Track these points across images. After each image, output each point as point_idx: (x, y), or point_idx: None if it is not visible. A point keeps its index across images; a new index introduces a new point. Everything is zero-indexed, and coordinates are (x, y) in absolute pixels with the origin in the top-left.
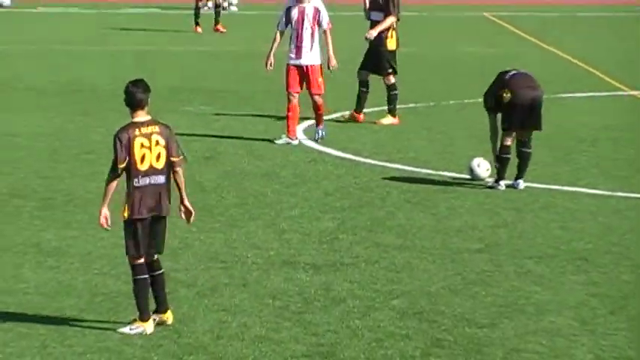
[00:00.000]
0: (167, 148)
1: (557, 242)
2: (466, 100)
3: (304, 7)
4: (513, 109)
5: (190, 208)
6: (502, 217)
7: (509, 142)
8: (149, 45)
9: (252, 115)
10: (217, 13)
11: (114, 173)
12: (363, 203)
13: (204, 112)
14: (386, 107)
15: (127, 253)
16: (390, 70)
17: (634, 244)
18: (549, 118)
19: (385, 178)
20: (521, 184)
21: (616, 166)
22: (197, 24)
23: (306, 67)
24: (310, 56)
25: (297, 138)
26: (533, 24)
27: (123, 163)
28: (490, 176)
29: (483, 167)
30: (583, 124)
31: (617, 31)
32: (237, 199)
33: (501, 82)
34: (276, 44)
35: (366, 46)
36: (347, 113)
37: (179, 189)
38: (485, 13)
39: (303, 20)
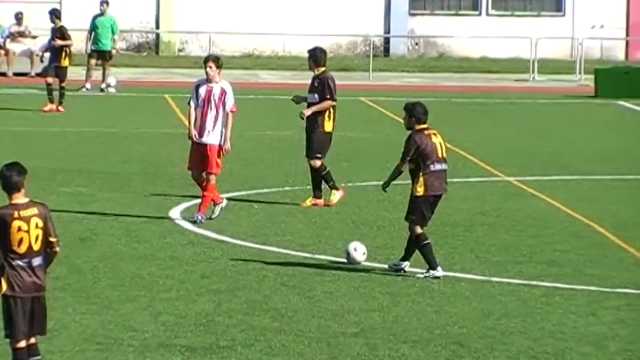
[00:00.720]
0: (45, 229)
1: (432, 326)
2: (342, 184)
3: (212, 87)
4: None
5: None
6: (378, 301)
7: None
8: (24, 126)
9: (129, 197)
10: (62, 94)
11: None
12: (239, 286)
13: (81, 193)
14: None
15: (8, 336)
16: (319, 155)
17: (508, 329)
18: None
19: (262, 261)
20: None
21: (491, 252)
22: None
23: (206, 145)
24: (212, 136)
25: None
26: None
27: None
28: (366, 260)
29: (360, 251)
30: (459, 209)
31: (492, 117)
32: (113, 280)
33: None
34: (192, 118)
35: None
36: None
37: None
38: (361, 98)
39: (209, 100)
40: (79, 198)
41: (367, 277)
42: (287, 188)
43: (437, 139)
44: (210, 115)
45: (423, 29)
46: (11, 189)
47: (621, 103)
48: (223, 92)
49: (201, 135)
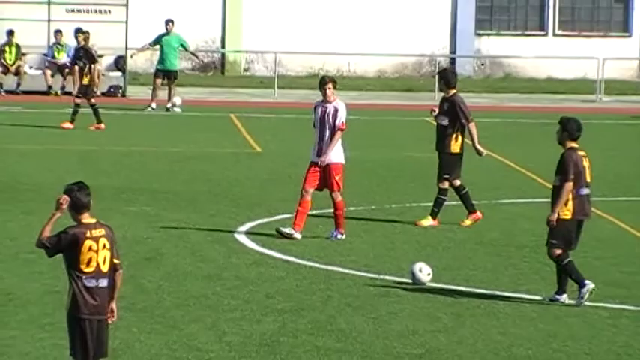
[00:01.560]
0: (111, 250)
1: (498, 348)
2: (408, 205)
3: (326, 107)
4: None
5: (115, 310)
6: (442, 322)
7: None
8: (90, 145)
9: (195, 217)
10: (94, 112)
11: (42, 243)
12: (304, 306)
13: (146, 213)
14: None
15: (73, 355)
16: (446, 176)
17: (574, 351)
18: (491, 224)
19: (327, 281)
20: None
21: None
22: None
23: (328, 165)
24: (330, 155)
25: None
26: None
27: (53, 250)
28: (432, 280)
29: (425, 271)
30: (524, 230)
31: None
32: (178, 300)
33: None
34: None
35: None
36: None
37: (113, 290)
38: (427, 119)
39: (323, 120)
40: (144, 217)
41: (432, 297)
42: (352, 208)
43: (586, 163)
44: (327, 134)
45: (489, 49)
46: (82, 208)
47: None
48: (336, 110)
49: (319, 155)
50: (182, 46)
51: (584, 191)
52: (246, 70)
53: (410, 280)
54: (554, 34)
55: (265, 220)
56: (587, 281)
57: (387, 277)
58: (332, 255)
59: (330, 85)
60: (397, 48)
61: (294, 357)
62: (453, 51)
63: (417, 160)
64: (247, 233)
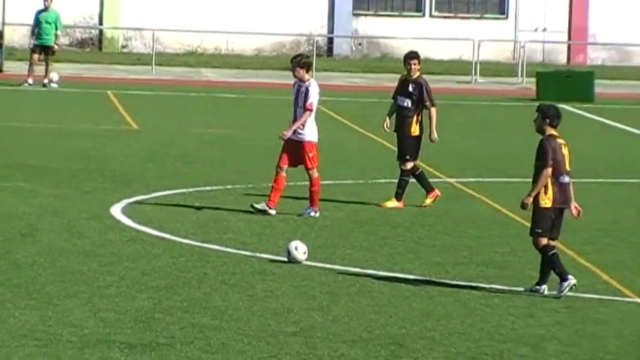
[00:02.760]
0: None
1: (372, 326)
2: (288, 184)
3: (300, 86)
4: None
5: None
6: (318, 301)
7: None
8: None
9: (71, 193)
10: None
11: None
12: (179, 283)
13: (22, 189)
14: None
15: None
16: (408, 157)
17: (448, 330)
18: (366, 204)
19: (203, 259)
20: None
21: (431, 252)
22: None
23: (295, 141)
24: (300, 132)
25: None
26: (352, 109)
27: None
28: (307, 259)
29: (301, 250)
30: (399, 209)
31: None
32: (53, 276)
33: None
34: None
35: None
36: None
37: None
38: None
39: (297, 98)
40: (19, 193)
41: (308, 276)
42: (229, 186)
43: (566, 151)
44: (298, 113)
45: (367, 30)
46: None
47: (562, 106)
48: (307, 91)
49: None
50: (55, 24)
51: (566, 179)
52: (124, 46)
53: (286, 259)
54: (431, 16)
55: (142, 197)
56: (569, 276)
57: (263, 255)
58: (208, 233)
59: (295, 66)
60: (275, 27)
61: (169, 334)
62: (330, 31)
63: None
64: (124, 210)
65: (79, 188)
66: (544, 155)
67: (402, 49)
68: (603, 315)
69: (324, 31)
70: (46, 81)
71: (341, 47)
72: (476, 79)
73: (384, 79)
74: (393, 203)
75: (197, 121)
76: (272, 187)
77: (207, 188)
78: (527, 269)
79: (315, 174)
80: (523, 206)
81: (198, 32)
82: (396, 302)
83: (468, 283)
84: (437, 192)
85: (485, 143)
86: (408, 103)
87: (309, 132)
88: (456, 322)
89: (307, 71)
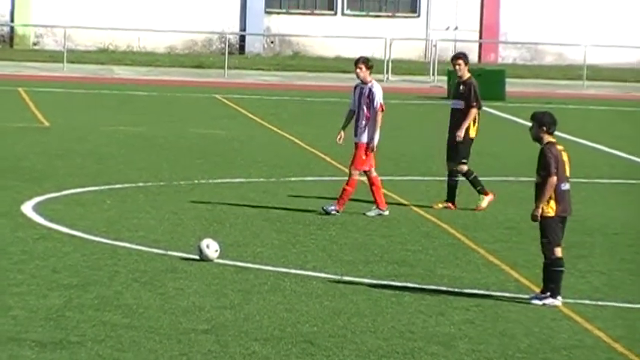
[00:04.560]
0: None
1: (284, 324)
2: (196, 181)
3: (361, 88)
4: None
5: None
6: (229, 299)
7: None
8: None
9: None
10: None
11: None
12: (90, 281)
13: None
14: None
15: None
16: (464, 161)
17: (359, 328)
18: (278, 201)
19: (114, 257)
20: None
21: (342, 250)
22: None
23: (356, 144)
24: (360, 135)
25: (384, 210)
26: (264, 107)
27: None
28: (219, 257)
29: (212, 248)
30: (311, 207)
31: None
32: None
33: None
34: (344, 121)
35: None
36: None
37: None
38: (216, 95)
39: (359, 100)
40: None
41: (219, 274)
42: (140, 184)
43: (565, 157)
44: (360, 115)
45: (279, 28)
46: None
47: None
48: (372, 92)
49: (355, 134)
50: None
51: (567, 186)
52: (35, 44)
53: (197, 257)
54: (343, 14)
55: (53, 194)
56: (559, 297)
57: (175, 254)
58: (120, 231)
59: (360, 65)
60: (187, 24)
61: (80, 332)
62: (242, 28)
63: (205, 136)
64: (35, 208)
65: None
66: (548, 164)
67: (313, 47)
68: (513, 313)
69: (236, 28)
70: None
71: (253, 45)
72: (388, 78)
73: (295, 77)
74: (485, 201)
75: (109, 119)
76: (371, 190)
77: (119, 186)
78: (439, 267)
79: (356, 175)
80: (533, 219)
81: (109, 29)
82: (307, 300)
83: (379, 282)
84: (491, 195)
85: (397, 142)
86: (460, 105)
87: (377, 134)
88: (367, 320)
89: (370, 72)
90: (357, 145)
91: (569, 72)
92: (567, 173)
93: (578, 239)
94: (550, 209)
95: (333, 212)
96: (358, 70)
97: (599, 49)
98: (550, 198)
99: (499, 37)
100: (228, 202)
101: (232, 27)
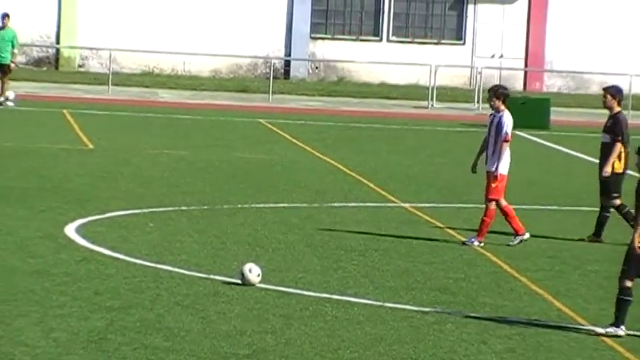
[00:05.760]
0: None
1: (325, 350)
2: (239, 205)
3: (493, 117)
4: None
5: None
6: (271, 323)
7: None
8: None
9: (25, 212)
10: None
11: None
12: (132, 304)
13: None
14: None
15: None
16: (616, 195)
17: (400, 355)
18: (321, 227)
19: (156, 280)
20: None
21: (384, 277)
22: None
23: (487, 172)
24: (489, 163)
25: (524, 235)
26: (308, 132)
27: None
28: (261, 282)
29: (254, 272)
30: (354, 233)
31: (390, 143)
32: (5, 295)
33: None
34: (479, 150)
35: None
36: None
37: None
38: (260, 120)
39: (490, 129)
40: None
41: (261, 298)
42: (183, 207)
43: None
44: (490, 143)
45: (324, 53)
46: None
47: (518, 132)
48: (501, 122)
49: (485, 162)
50: (12, 43)
51: None
52: (80, 66)
53: (239, 281)
54: (389, 40)
55: (96, 217)
56: (623, 327)
57: (217, 277)
58: (162, 254)
59: (492, 96)
60: (232, 48)
61: (121, 355)
62: (287, 53)
63: (249, 161)
64: (77, 230)
65: (33, 207)
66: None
67: (359, 72)
68: (555, 342)
69: (282, 53)
70: (2, 99)
71: (298, 70)
72: (432, 105)
73: (340, 102)
74: (588, 238)
75: (152, 142)
76: (507, 220)
77: (162, 209)
78: (481, 295)
79: (492, 206)
80: (633, 250)
81: (154, 53)
82: (348, 326)
83: (420, 309)
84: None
85: (441, 168)
86: (607, 138)
87: (502, 163)
88: (408, 347)
89: (503, 102)
90: (487, 173)
91: None
92: None
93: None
94: (638, 239)
95: (476, 244)
96: (492, 102)
97: None
98: (637, 228)
99: (544, 65)
100: (270, 227)
101: (277, 52)
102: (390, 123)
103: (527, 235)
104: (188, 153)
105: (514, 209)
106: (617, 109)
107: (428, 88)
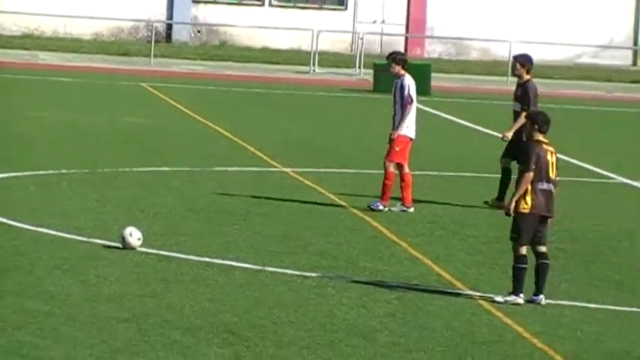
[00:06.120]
0: None
1: (205, 314)
2: (121, 169)
3: (396, 83)
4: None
5: None
6: (151, 287)
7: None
8: None
9: None
10: None
11: None
12: (11, 267)
13: None
14: None
15: None
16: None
17: (280, 319)
18: (202, 191)
19: (36, 243)
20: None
21: (265, 241)
22: None
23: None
24: (394, 126)
25: (409, 208)
26: (189, 96)
27: None
28: (142, 245)
29: (135, 236)
30: (235, 197)
31: (271, 108)
32: None
33: None
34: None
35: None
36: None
37: None
38: (142, 84)
39: (394, 94)
40: None
41: (142, 262)
42: (64, 171)
43: (551, 158)
44: (396, 108)
45: (206, 17)
46: None
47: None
48: (402, 85)
49: (393, 128)
50: None
51: (544, 185)
52: None
53: (120, 245)
54: (271, 4)
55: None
56: (521, 295)
57: (97, 241)
58: (43, 217)
59: (391, 63)
60: (114, 11)
61: (0, 318)
62: (169, 17)
63: (130, 124)
64: None
65: None
66: (527, 160)
67: (241, 36)
68: (434, 307)
69: (164, 17)
70: None
71: (180, 34)
72: (314, 70)
73: (222, 67)
74: (491, 201)
75: (33, 105)
76: (401, 186)
77: (42, 172)
78: (361, 260)
79: (391, 168)
80: (506, 212)
81: (35, 15)
82: (229, 290)
83: (301, 273)
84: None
85: (322, 134)
86: (517, 107)
87: (404, 126)
88: (288, 311)
89: (403, 67)
90: (397, 136)
91: (494, 68)
92: (552, 174)
93: (500, 234)
94: (525, 205)
95: (381, 208)
96: (391, 69)
97: (524, 45)
98: (526, 194)
99: (425, 31)
100: (152, 191)
101: (159, 15)
102: (272, 88)
103: (412, 209)
104: (69, 116)
105: (395, 175)
106: (525, 77)
107: (310, 53)
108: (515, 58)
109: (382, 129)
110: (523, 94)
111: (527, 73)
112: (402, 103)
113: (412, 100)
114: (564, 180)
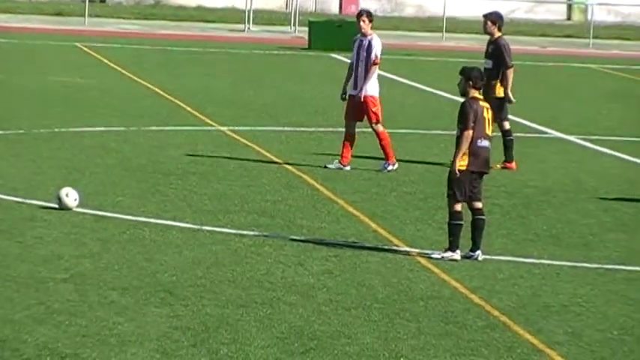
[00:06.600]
0: None
1: (142, 274)
2: (56, 129)
3: (362, 41)
4: None
5: None
6: (88, 248)
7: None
8: None
9: None
10: None
11: None
12: None
13: None
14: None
15: None
16: (500, 118)
17: (218, 278)
18: (138, 150)
19: None
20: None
21: (202, 200)
22: None
23: (352, 96)
24: (358, 86)
25: (347, 166)
26: (125, 56)
27: None
28: (78, 206)
29: (72, 197)
30: (171, 157)
31: (206, 67)
32: None
33: None
34: (347, 76)
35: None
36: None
37: None
38: (76, 44)
39: (359, 52)
40: None
41: (78, 223)
42: (0, 132)
43: (487, 114)
44: (359, 67)
45: None
46: None
47: (333, 55)
48: (370, 45)
49: (354, 87)
50: None
51: (484, 143)
52: None
53: (56, 205)
54: None
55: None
56: (458, 251)
57: (34, 202)
58: None
59: (364, 18)
60: None
61: None
62: None
63: (65, 85)
64: None
65: None
66: (465, 118)
67: None
68: (372, 264)
69: None
70: None
71: None
72: (249, 28)
73: (157, 26)
74: (500, 165)
75: None
76: (343, 144)
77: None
78: (298, 218)
79: (381, 128)
80: (450, 174)
81: None
82: (167, 250)
83: (238, 231)
84: (514, 165)
85: (258, 92)
86: (489, 64)
87: (371, 87)
88: (226, 270)
89: (371, 25)
90: (352, 97)
91: (429, 24)
92: (488, 131)
93: (436, 190)
94: (462, 163)
95: (390, 168)
96: (362, 23)
97: (458, 1)
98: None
99: None
100: (87, 151)
101: None
102: (207, 46)
103: (348, 167)
104: (3, 77)
105: (387, 133)
106: (497, 34)
107: (244, 12)
108: (486, 16)
109: (318, 86)
110: (495, 51)
111: (499, 30)
112: (367, 62)
113: (379, 62)
114: (498, 135)
